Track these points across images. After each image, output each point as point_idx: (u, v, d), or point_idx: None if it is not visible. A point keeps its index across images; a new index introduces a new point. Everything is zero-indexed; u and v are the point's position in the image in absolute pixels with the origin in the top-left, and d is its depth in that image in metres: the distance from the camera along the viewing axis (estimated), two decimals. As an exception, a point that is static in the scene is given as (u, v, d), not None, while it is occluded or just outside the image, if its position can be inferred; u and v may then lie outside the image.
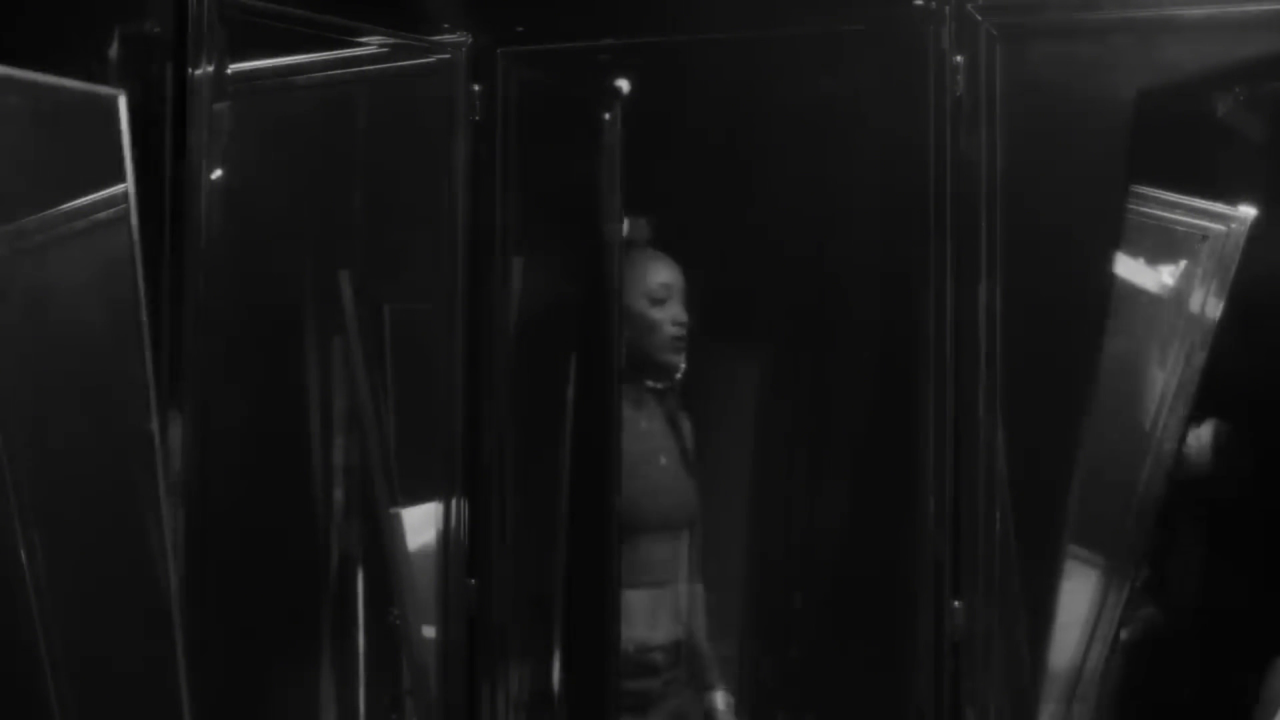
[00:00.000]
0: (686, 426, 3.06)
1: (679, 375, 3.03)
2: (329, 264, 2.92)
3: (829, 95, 2.87)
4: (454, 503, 2.81)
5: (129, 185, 1.64)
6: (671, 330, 3.01)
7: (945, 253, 2.63)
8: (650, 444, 3.01)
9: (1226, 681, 2.51)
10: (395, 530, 2.87)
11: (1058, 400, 2.61)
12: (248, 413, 2.68)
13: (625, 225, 3.01)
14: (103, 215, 1.67)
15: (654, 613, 2.96)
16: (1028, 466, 2.64)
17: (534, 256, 3.08)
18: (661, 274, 3.04)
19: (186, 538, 2.22)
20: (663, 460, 3.01)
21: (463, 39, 2.82)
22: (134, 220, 1.67)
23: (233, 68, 2.28)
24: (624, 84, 3.00)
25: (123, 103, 1.69)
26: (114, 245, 1.68)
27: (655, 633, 2.96)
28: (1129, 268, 2.63)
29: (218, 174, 2.32)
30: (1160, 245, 2.60)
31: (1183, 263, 2.59)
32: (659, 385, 3.03)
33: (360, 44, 2.71)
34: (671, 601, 2.98)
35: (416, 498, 2.88)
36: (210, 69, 2.22)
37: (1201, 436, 2.77)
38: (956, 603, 2.61)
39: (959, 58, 2.61)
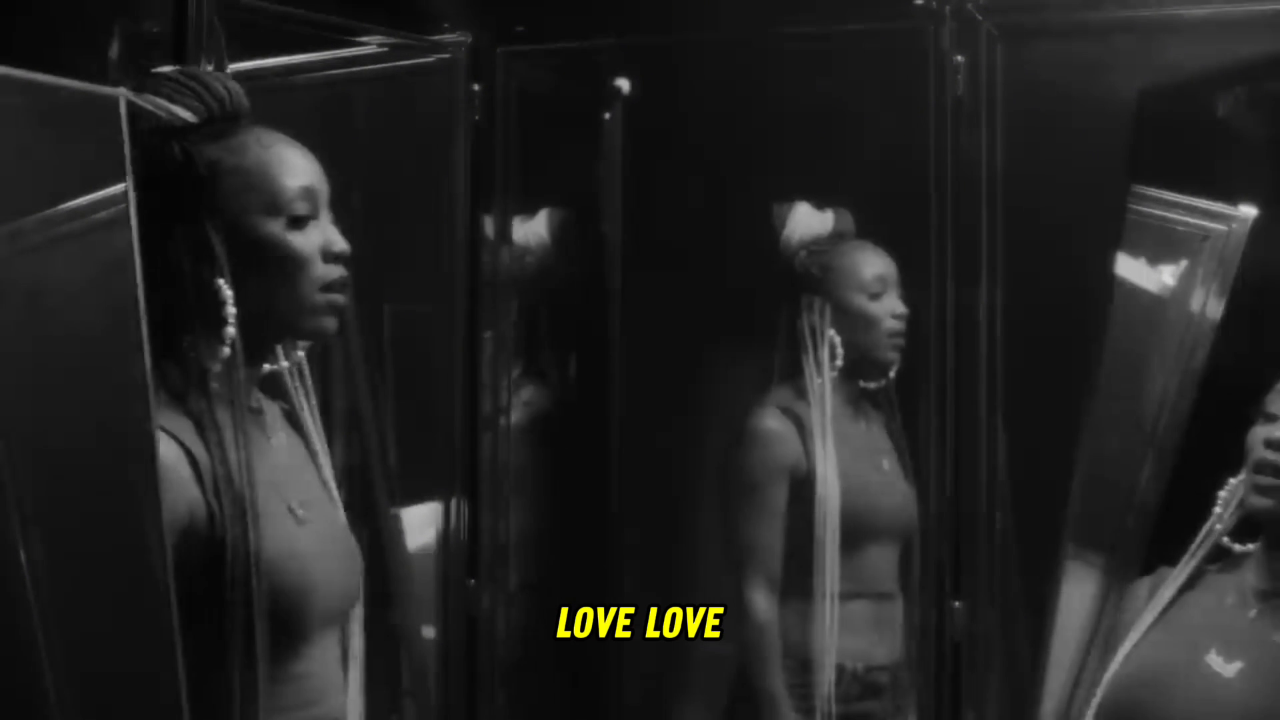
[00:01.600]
0: (899, 428, 2.86)
1: (892, 374, 2.83)
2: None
3: (829, 95, 2.87)
4: (454, 503, 2.81)
5: (129, 185, 1.64)
6: (891, 324, 2.79)
7: (945, 253, 2.63)
8: (870, 446, 2.83)
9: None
10: (395, 530, 2.87)
11: (1058, 400, 2.61)
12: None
13: (831, 218, 2.88)
14: (103, 215, 1.66)
15: (877, 627, 2.75)
16: (1028, 466, 2.64)
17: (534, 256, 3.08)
18: (875, 265, 2.82)
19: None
20: (885, 464, 2.82)
21: (463, 39, 2.81)
22: (134, 220, 1.66)
23: (233, 68, 2.28)
24: (624, 84, 2.99)
25: (123, 103, 1.69)
26: (114, 245, 1.67)
27: (879, 649, 2.74)
28: (1129, 268, 2.62)
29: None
30: (1160, 245, 2.60)
31: (1183, 263, 2.58)
32: (872, 385, 2.84)
33: (360, 44, 2.70)
34: (893, 617, 2.77)
35: (416, 498, 2.88)
36: (210, 69, 2.21)
37: None
38: (956, 603, 2.62)
39: (959, 58, 2.61)
